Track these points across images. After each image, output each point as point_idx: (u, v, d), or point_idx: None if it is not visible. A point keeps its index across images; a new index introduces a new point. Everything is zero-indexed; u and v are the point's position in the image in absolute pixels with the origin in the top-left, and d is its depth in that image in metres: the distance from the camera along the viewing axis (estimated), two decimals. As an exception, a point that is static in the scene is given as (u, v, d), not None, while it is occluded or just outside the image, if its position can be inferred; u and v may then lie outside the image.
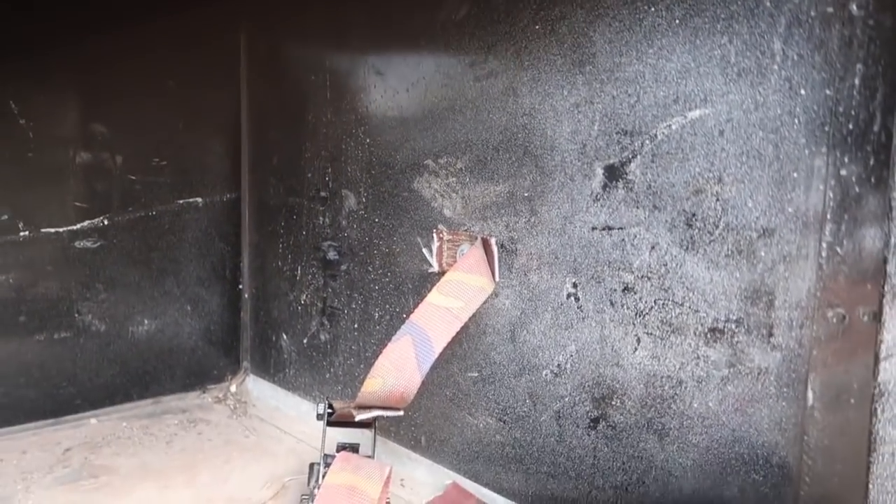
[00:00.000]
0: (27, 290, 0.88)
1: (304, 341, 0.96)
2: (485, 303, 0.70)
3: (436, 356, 0.69)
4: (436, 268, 0.75)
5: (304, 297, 0.96)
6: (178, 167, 0.98)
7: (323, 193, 0.91)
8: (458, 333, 0.70)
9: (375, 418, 0.68)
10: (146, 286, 0.97)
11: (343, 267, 0.89)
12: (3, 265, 0.85)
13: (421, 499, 0.74)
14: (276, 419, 0.96)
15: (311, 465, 0.66)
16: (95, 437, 0.88)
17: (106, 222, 0.93)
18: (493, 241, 0.69)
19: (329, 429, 0.69)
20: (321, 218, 0.92)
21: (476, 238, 0.71)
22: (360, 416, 0.63)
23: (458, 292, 0.69)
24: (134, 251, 0.95)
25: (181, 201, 0.99)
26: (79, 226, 0.91)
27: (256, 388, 1.05)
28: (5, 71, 0.83)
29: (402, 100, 0.78)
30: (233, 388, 1.06)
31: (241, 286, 1.06)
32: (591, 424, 0.62)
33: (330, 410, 0.69)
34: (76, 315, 0.92)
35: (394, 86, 0.79)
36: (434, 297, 0.69)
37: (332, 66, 0.88)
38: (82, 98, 0.89)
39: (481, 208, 0.71)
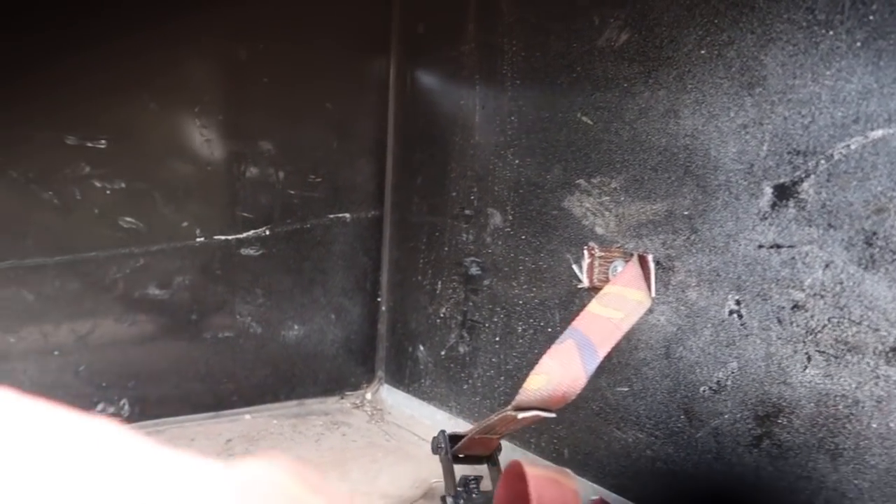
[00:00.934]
0: (199, 290, 0.96)
1: (442, 353, 1.01)
2: (641, 318, 0.72)
3: (600, 361, 0.71)
4: (586, 283, 0.78)
5: (443, 310, 1.00)
6: (331, 184, 1.06)
7: (467, 212, 0.96)
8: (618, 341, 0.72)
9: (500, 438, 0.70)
10: (297, 294, 1.05)
11: (486, 282, 0.93)
12: (181, 267, 0.95)
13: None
14: (413, 426, 1.00)
15: (443, 499, 0.69)
16: (251, 431, 0.95)
17: (267, 232, 1.01)
18: (650, 257, 0.71)
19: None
20: (464, 235, 0.96)
21: (630, 255, 0.73)
22: (522, 415, 0.65)
23: (618, 304, 0.71)
24: (289, 260, 1.03)
25: (331, 216, 1.06)
26: (244, 234, 0.99)
27: (391, 397, 1.10)
28: (194, 90, 0.93)
29: (555, 123, 0.82)
30: (368, 396, 1.11)
31: (379, 299, 1.12)
32: (754, 443, 0.62)
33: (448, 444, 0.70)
34: (237, 317, 1.00)
35: (546, 109, 0.83)
36: (594, 307, 0.71)
37: (482, 91, 0.93)
38: (255, 117, 0.98)
39: (636, 226, 0.73)
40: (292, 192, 1.02)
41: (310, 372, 1.07)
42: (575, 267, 0.79)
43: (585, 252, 0.78)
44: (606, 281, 0.75)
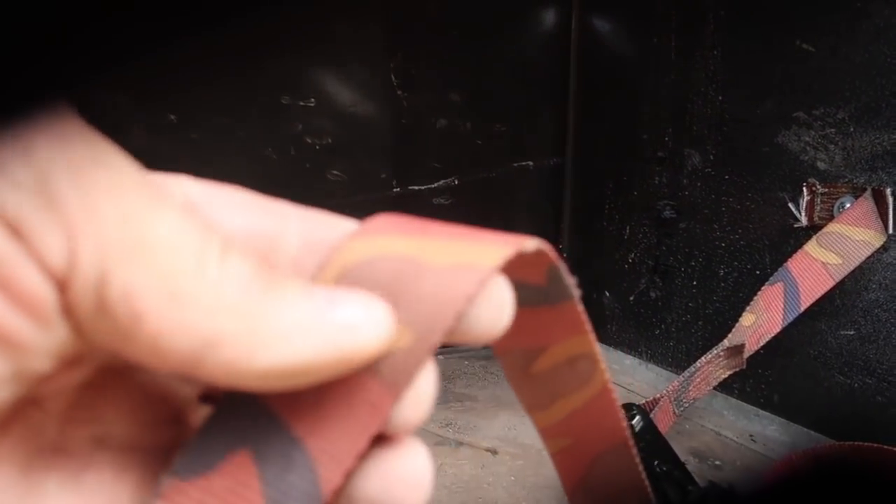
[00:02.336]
0: (397, 238, 1.02)
1: (631, 299, 1.00)
2: (868, 258, 0.67)
3: (800, 312, 0.68)
4: (804, 222, 0.74)
5: (631, 255, 0.99)
6: (514, 133, 1.07)
7: (660, 153, 0.93)
8: (827, 291, 0.68)
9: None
10: (484, 241, 1.08)
11: (681, 225, 0.90)
12: (426, 216, 1.00)
13: (777, 455, 0.74)
14: (602, 371, 1.01)
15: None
16: (446, 371, 1.00)
17: (457, 182, 1.04)
18: (888, 191, 0.65)
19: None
20: (657, 178, 0.94)
21: (861, 190, 0.68)
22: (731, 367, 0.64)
23: (837, 246, 0.67)
24: (477, 209, 1.06)
25: (515, 164, 1.08)
26: (436, 184, 1.03)
27: (575, 342, 1.11)
28: (388, 47, 0.97)
29: (767, 53, 0.77)
30: (551, 341, 1.13)
31: (560, 245, 1.13)
32: None
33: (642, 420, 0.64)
34: (430, 263, 1.05)
35: (756, 39, 0.78)
36: (812, 247, 0.68)
37: (678, 27, 0.89)
38: (444, 70, 1.01)
39: (869, 158, 0.68)
40: (479, 141, 1.05)
41: (496, 317, 1.10)
42: (791, 205, 0.75)
43: (805, 189, 0.73)
44: (829, 219, 0.71)
